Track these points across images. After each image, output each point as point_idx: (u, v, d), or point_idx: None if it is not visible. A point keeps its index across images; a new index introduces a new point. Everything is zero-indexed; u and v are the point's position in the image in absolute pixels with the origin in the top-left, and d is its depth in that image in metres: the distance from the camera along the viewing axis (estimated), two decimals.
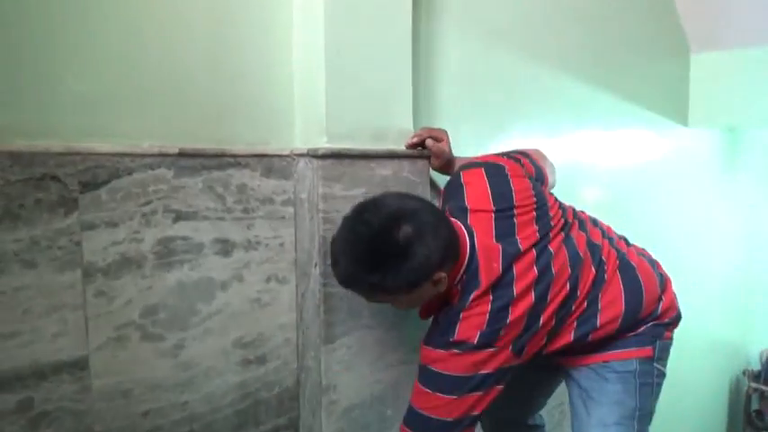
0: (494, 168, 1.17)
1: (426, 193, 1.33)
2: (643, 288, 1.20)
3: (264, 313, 1.20)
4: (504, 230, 1.10)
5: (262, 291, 1.19)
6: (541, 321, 1.09)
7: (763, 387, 4.12)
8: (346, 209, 1.08)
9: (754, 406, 4.22)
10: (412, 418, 1.08)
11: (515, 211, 1.12)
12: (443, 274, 1.04)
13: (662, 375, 1.24)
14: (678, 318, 1.26)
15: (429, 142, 1.29)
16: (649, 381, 1.20)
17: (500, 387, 1.09)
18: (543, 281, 1.09)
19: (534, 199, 1.15)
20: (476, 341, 1.04)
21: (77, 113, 0.97)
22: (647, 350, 1.19)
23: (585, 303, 1.15)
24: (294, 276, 1.24)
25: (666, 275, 1.29)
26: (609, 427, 1.18)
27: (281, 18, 1.22)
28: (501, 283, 1.07)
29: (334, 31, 1.17)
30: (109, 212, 0.99)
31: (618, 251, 1.23)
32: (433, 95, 1.47)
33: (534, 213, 1.13)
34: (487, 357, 1.05)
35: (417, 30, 1.37)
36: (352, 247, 1.00)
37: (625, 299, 1.17)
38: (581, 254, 1.16)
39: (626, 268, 1.21)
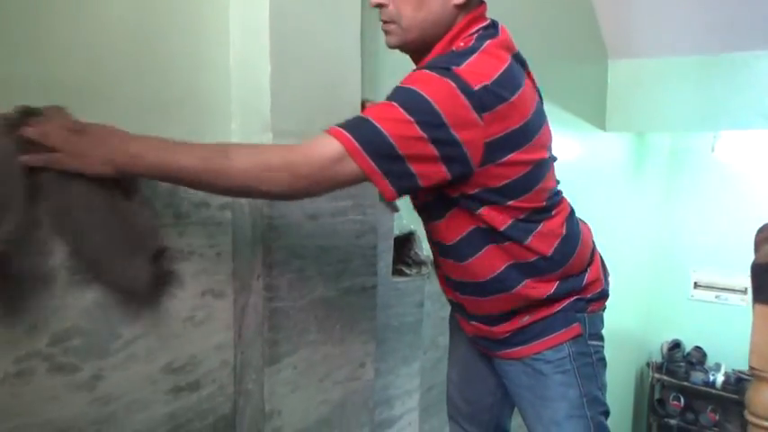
0: None
1: (376, 195, 1.23)
2: (580, 242, 1.12)
3: (198, 333, 1.05)
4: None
5: (196, 307, 1.05)
6: (511, 155, 0.95)
7: (665, 377, 4.41)
8: (295, 215, 0.96)
9: (657, 395, 4.51)
10: (354, 121, 0.89)
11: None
12: None
13: (600, 350, 1.16)
14: (604, 294, 1.18)
15: None
16: (588, 361, 1.12)
17: (441, 172, 0.90)
18: (536, 118, 0.99)
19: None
20: (476, 88, 0.88)
21: None
22: (574, 328, 1.11)
23: (534, 209, 1.03)
24: (232, 290, 1.10)
25: (598, 251, 1.22)
26: (561, 425, 1.12)
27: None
28: (518, 59, 1.00)
29: (280, 15, 1.04)
30: None
31: (570, 204, 1.16)
32: (379, 91, 1.37)
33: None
34: (467, 119, 0.88)
35: (364, 22, 1.27)
36: None
37: (561, 240, 1.07)
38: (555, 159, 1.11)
39: (573, 218, 1.14)
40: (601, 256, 1.23)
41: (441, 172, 0.91)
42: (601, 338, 1.17)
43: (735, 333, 4.26)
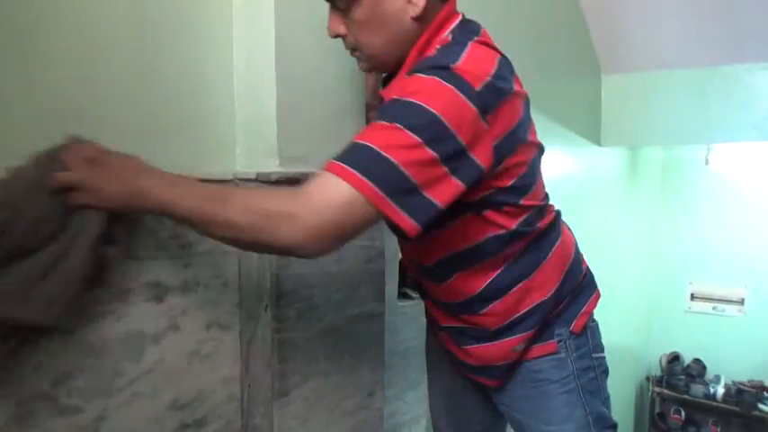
0: None
1: (383, 229, 1.21)
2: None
3: (204, 367, 1.02)
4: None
5: (201, 341, 1.01)
6: (517, 153, 0.91)
7: (665, 391, 4.39)
8: None
9: (658, 409, 4.48)
10: (358, 153, 0.78)
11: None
12: None
13: (603, 361, 1.12)
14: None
15: None
16: (592, 375, 1.08)
17: (454, 186, 0.82)
18: (524, 122, 0.94)
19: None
20: (478, 88, 0.81)
21: None
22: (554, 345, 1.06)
23: (536, 206, 1.01)
24: (239, 321, 1.07)
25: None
26: None
27: (218, 23, 1.06)
28: (506, 62, 0.92)
29: (285, 38, 1.02)
30: None
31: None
32: None
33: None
34: (476, 127, 0.82)
35: None
36: None
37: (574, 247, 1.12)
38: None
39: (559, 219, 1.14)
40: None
41: (454, 186, 0.82)
42: (603, 349, 1.14)
43: (733, 344, 4.26)
